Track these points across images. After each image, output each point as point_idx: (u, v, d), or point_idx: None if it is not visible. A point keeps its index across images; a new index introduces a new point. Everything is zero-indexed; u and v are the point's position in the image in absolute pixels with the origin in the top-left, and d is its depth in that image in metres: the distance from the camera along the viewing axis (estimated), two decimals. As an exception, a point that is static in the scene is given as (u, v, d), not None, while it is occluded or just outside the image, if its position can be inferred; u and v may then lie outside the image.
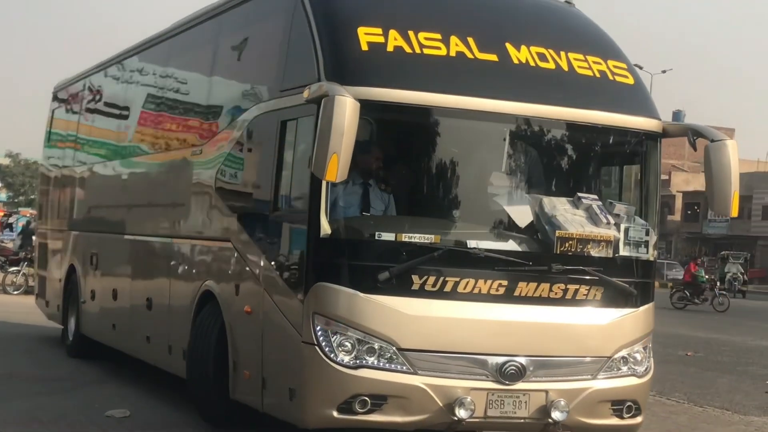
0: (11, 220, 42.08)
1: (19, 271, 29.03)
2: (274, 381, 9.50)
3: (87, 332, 16.49)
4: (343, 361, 8.64)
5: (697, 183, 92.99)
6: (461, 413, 8.66)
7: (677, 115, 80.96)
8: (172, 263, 12.65)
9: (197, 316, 11.39)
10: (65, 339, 17.71)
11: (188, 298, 11.73)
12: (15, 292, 28.43)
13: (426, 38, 9.08)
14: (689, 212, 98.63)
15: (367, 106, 8.39)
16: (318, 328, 8.71)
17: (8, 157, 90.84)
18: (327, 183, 8.55)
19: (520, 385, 8.91)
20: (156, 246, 13.45)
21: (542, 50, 9.50)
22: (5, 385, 13.67)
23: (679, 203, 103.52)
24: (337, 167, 8.12)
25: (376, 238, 8.81)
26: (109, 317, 15.20)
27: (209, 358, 10.81)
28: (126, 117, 15.67)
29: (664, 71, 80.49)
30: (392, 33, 8.98)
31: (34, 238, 25.49)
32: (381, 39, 8.95)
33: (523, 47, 9.43)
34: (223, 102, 11.80)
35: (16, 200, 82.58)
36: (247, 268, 10.21)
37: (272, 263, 9.65)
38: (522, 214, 9.30)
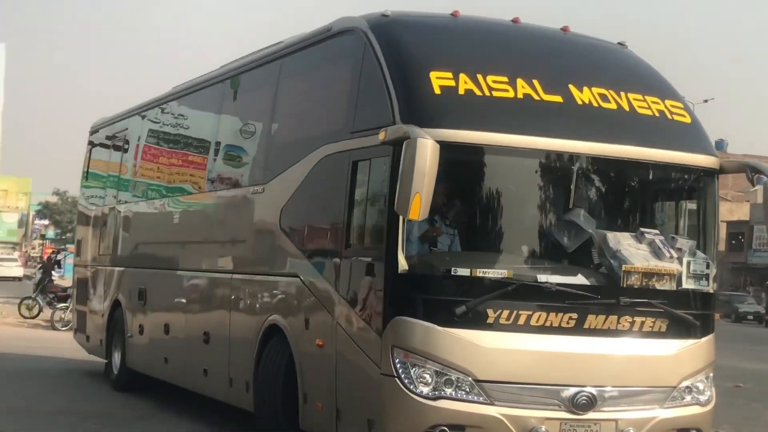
0: (59, 257, 42.35)
1: (67, 308, 29.17)
2: (350, 412, 9.71)
3: (134, 366, 16.62)
4: (422, 392, 8.87)
5: (740, 213, 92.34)
6: None
7: (719, 144, 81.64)
8: (232, 298, 12.80)
9: (262, 350, 11.57)
10: (109, 373, 17.84)
11: (252, 332, 11.89)
12: (63, 328, 28.63)
13: (494, 81, 9.40)
14: (733, 242, 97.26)
15: (441, 147, 8.60)
16: (397, 360, 8.93)
17: (56, 195, 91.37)
18: (404, 220, 8.83)
19: (591, 415, 9.15)
20: (213, 281, 13.58)
21: (603, 91, 9.80)
22: (57, 423, 13.78)
23: (723, 233, 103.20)
24: (420, 206, 8.36)
25: (452, 273, 9.05)
26: (161, 351, 15.31)
27: (278, 390, 11.03)
28: (174, 156, 15.93)
29: (705, 101, 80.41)
30: (462, 77, 9.30)
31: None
32: (452, 83, 9.25)
33: (586, 88, 9.74)
34: (285, 142, 12.03)
35: (63, 237, 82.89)
36: (318, 303, 10.41)
37: (346, 298, 9.84)
38: (588, 249, 9.63)
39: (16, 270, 64.28)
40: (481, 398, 8.95)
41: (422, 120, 8.89)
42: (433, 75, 9.27)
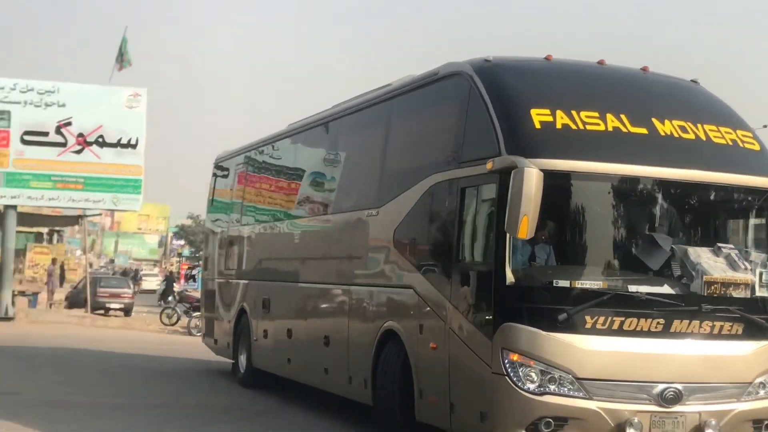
0: (194, 272, 42.79)
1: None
2: (463, 405, 9.71)
3: (259, 365, 16.66)
4: (529, 388, 8.88)
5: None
6: None
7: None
8: (350, 306, 12.83)
9: (379, 352, 11.59)
10: (236, 372, 17.90)
11: (369, 336, 11.90)
12: (198, 334, 28.82)
13: (586, 116, 9.40)
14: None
15: (543, 175, 8.67)
16: (506, 361, 8.95)
17: (190, 219, 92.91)
18: (509, 238, 8.88)
19: (677, 408, 9.06)
20: (332, 292, 13.58)
21: (682, 123, 9.76)
22: (195, 415, 13.84)
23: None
24: (527, 227, 8.47)
25: (553, 284, 9.09)
26: (284, 352, 15.36)
27: (395, 387, 11.04)
28: (294, 184, 15.93)
29: (765, 126, 78.98)
30: (558, 113, 9.33)
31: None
32: (550, 118, 9.29)
33: (666, 121, 9.70)
34: (397, 172, 11.97)
35: (197, 255, 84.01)
36: (431, 311, 10.40)
37: (458, 307, 9.84)
38: (672, 262, 9.51)
39: (157, 283, 65.10)
40: (581, 393, 8.90)
41: (526, 152, 8.97)
42: (533, 112, 9.33)
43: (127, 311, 38.58)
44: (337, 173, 14.18)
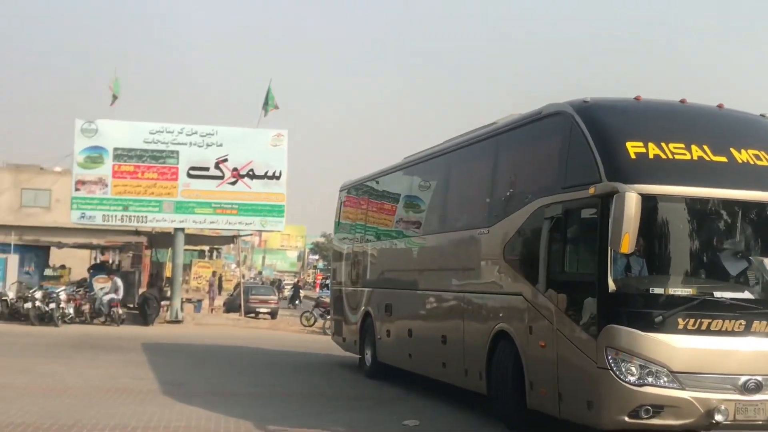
0: (327, 281, 43.19)
1: None
2: (571, 395, 9.75)
3: (383, 360, 16.76)
4: (630, 381, 8.92)
5: None
6: (718, 417, 8.87)
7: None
8: (464, 310, 12.85)
9: (492, 349, 11.67)
10: (362, 365, 18.06)
11: (483, 335, 11.96)
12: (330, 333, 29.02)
13: (674, 147, 9.45)
14: None
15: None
16: (610, 357, 9.00)
17: (323, 237, 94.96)
18: (611, 252, 8.97)
19: (758, 397, 9.05)
20: (449, 298, 13.61)
21: (756, 152, 9.72)
22: (335, 403, 13.91)
23: None
24: (629, 243, 8.57)
25: (650, 291, 9.12)
26: (406, 349, 15.44)
27: (509, 379, 11.11)
28: (412, 207, 16.03)
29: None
30: (650, 145, 9.40)
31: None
32: (643, 149, 9.36)
33: (743, 150, 9.66)
34: (505, 197, 11.95)
35: (329, 267, 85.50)
36: (540, 315, 10.44)
37: (565, 311, 9.88)
38: (750, 271, 9.48)
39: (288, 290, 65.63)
40: (675, 385, 8.92)
41: (625, 178, 9.07)
42: (628, 144, 9.42)
43: (273, 315, 38.99)
44: (450, 199, 14.27)
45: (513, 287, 11.21)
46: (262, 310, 38.88)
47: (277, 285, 62.98)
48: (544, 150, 11.19)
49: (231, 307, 39.50)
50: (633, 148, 9.32)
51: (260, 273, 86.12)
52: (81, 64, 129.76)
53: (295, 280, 75.37)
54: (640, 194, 8.73)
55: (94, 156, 30.23)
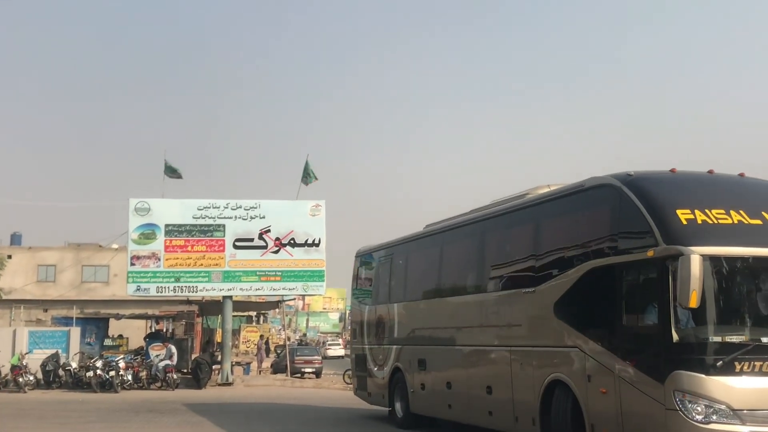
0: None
1: None
2: None
3: (417, 411, 16.77)
4: (698, 419, 9.26)
5: None
6: None
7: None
8: (512, 363, 12.85)
9: (544, 396, 11.80)
10: (393, 417, 17.91)
11: (535, 385, 12.10)
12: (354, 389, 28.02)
13: (716, 213, 9.91)
14: None
15: None
16: (678, 399, 9.34)
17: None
18: (672, 306, 9.34)
19: None
20: (492, 353, 13.55)
21: None
22: None
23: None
24: (696, 298, 9.00)
25: (710, 340, 9.45)
26: (445, 400, 15.31)
27: (568, 423, 11.29)
28: (448, 270, 15.76)
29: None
30: (696, 212, 9.86)
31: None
32: (691, 216, 9.81)
33: None
34: (551, 260, 12.14)
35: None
36: (599, 364, 10.66)
37: (627, 360, 10.13)
38: None
39: (340, 351, 64.60)
40: (736, 421, 9.25)
41: (683, 242, 9.46)
42: (678, 212, 9.86)
43: (317, 374, 38.13)
44: (488, 262, 14.26)
45: (567, 341, 11.44)
46: (307, 370, 38.29)
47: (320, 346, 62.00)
48: (591, 218, 11.45)
49: (278, 368, 39.05)
50: (683, 215, 9.79)
51: (305, 335, 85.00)
52: (129, 146, 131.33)
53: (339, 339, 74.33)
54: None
55: (148, 232, 30.43)
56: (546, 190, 13.26)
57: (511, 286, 13.17)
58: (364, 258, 20.21)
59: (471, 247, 15.03)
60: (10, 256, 46.50)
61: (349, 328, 23.36)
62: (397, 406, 17.42)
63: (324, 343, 70.24)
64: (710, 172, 11.10)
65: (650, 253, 9.67)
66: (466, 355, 14.44)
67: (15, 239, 54.38)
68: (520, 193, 14.10)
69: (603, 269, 10.64)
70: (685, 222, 9.68)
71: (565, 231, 12.06)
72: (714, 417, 9.18)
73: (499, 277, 13.75)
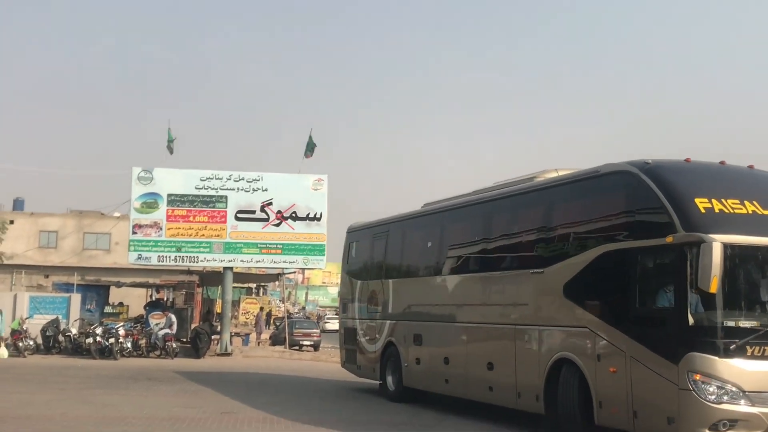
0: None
1: None
2: (648, 412, 10.10)
3: (411, 384, 16.71)
4: (710, 399, 9.41)
5: None
6: None
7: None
8: (516, 340, 12.84)
9: (550, 374, 11.87)
10: (384, 390, 17.89)
11: (540, 363, 12.15)
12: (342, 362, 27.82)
13: (732, 203, 10.03)
14: None
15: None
16: (691, 380, 9.46)
17: None
18: (689, 290, 9.47)
19: None
20: (495, 330, 13.53)
21: None
22: (362, 429, 13.27)
23: None
24: (716, 284, 9.16)
25: (723, 324, 9.56)
26: (441, 375, 15.32)
27: (574, 399, 11.35)
28: (451, 248, 15.57)
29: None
30: (713, 201, 9.97)
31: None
32: (709, 205, 9.93)
33: None
34: (561, 242, 12.15)
35: None
36: (609, 344, 10.73)
37: (640, 341, 10.20)
38: None
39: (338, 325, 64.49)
40: (747, 402, 9.41)
41: (702, 230, 9.57)
42: (696, 200, 9.95)
43: (316, 347, 38.01)
44: (494, 242, 14.19)
45: (576, 321, 11.45)
46: (305, 342, 38.11)
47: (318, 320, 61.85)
48: (606, 203, 11.41)
49: (276, 340, 38.84)
50: (701, 203, 9.87)
51: (303, 308, 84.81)
52: (134, 115, 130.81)
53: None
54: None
55: (150, 201, 29.94)
56: (554, 174, 13.23)
57: (518, 266, 13.14)
58: (357, 234, 20.02)
59: (476, 227, 14.89)
60: (12, 222, 46.20)
61: (339, 302, 23.17)
62: (389, 379, 17.38)
63: (323, 317, 70.30)
64: (722, 163, 11.15)
65: (669, 239, 9.72)
66: (467, 331, 14.33)
67: (17, 204, 53.59)
68: (527, 176, 14.04)
69: (617, 253, 10.70)
70: (703, 210, 9.77)
71: (577, 215, 12.04)
72: (725, 398, 9.32)
73: (505, 257, 13.67)
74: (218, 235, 30.15)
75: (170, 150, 31.58)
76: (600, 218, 11.44)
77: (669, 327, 9.77)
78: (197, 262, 30.79)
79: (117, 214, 48.03)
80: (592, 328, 11.05)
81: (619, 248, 10.70)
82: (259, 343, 38.36)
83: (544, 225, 12.67)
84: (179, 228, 29.94)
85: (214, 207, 30.11)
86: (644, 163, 10.72)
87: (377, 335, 18.03)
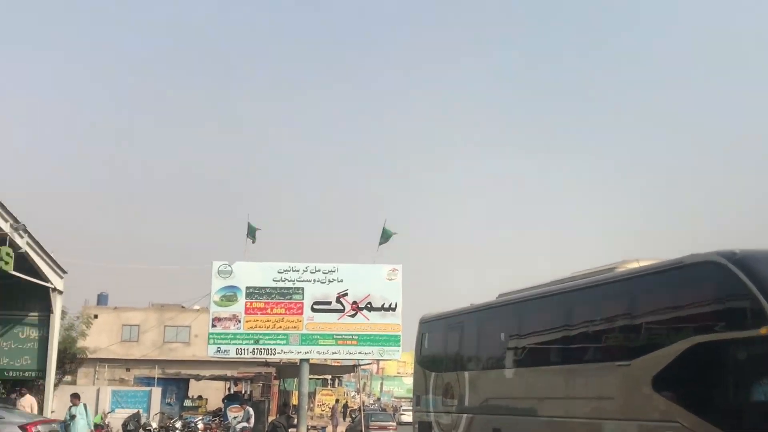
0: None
1: None
2: None
3: None
4: None
5: None
6: None
7: None
8: None
9: None
10: None
11: None
12: None
13: None
14: None
15: None
16: None
17: None
18: None
19: None
20: (579, 425, 13.01)
21: None
22: None
23: None
24: None
25: None
26: None
27: None
28: (532, 339, 15.29)
29: None
30: None
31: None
32: None
33: None
34: (648, 334, 11.80)
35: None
36: None
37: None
38: None
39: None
40: None
41: None
42: None
43: (392, 438, 37.20)
44: (576, 333, 13.80)
45: (666, 415, 10.98)
46: (381, 434, 37.22)
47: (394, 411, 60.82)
48: (693, 294, 11.11)
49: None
50: None
51: (379, 399, 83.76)
52: (212, 212, 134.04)
53: None
54: None
55: (230, 295, 30.33)
56: (635, 264, 13.01)
57: (603, 359, 12.75)
58: (430, 325, 19.76)
59: (557, 318, 14.55)
60: (96, 316, 47.38)
61: (413, 394, 22.70)
62: None
63: (398, 408, 69.17)
64: None
65: (764, 331, 9.43)
66: (549, 425, 13.86)
67: (102, 299, 55.37)
68: (608, 266, 13.80)
69: (708, 345, 10.37)
70: None
71: (664, 306, 11.75)
72: None
73: (588, 349, 13.33)
74: (295, 327, 30.14)
75: (253, 239, 32.05)
76: (688, 309, 11.14)
77: (766, 421, 9.34)
78: (274, 354, 30.77)
79: (197, 307, 48.76)
80: (682, 421, 10.63)
81: (712, 340, 10.37)
82: (335, 435, 38.03)
83: (628, 316, 12.36)
84: (257, 320, 30.07)
85: (291, 299, 30.24)
86: (732, 254, 10.47)
87: (453, 430, 17.56)
